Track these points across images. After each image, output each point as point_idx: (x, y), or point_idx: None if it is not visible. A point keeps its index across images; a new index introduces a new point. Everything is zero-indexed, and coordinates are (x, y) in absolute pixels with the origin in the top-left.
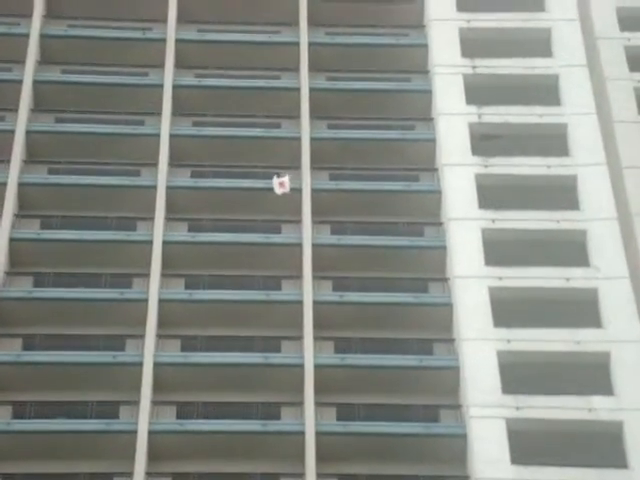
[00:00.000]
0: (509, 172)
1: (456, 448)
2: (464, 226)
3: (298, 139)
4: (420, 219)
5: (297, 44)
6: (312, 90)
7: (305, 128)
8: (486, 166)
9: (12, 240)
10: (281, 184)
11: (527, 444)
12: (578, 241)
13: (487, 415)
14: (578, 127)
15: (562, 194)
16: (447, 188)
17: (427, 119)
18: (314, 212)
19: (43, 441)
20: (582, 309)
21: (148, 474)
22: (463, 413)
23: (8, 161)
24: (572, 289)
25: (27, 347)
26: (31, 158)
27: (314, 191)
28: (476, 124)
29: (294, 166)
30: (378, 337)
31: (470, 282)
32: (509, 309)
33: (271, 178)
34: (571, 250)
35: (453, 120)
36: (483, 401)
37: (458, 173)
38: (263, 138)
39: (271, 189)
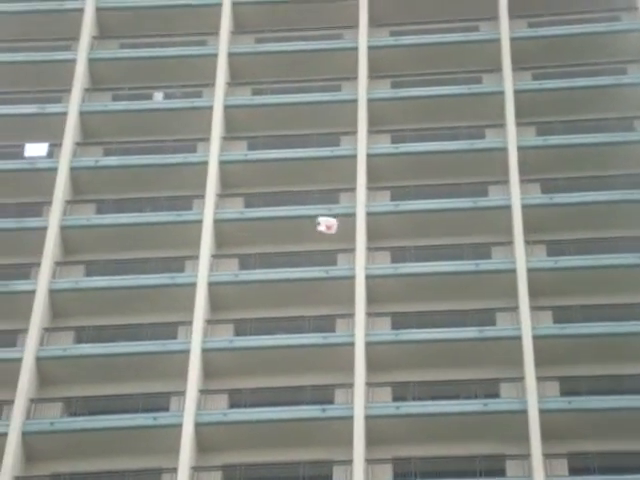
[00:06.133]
0: None
1: None
2: None
3: (498, 40)
4: (630, 113)
5: None
6: None
7: (505, 28)
8: None
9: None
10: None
11: None
12: None
13: None
14: None
15: None
16: None
17: (632, 8)
18: (518, 114)
19: (259, 430)
20: None
21: (367, 461)
22: None
23: (208, 139)
24: None
25: (239, 332)
26: (230, 134)
27: (517, 92)
28: None
29: (495, 69)
30: (592, 237)
31: None
32: None
33: (470, 83)
34: None
35: None
36: None
37: None
38: (462, 43)
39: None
